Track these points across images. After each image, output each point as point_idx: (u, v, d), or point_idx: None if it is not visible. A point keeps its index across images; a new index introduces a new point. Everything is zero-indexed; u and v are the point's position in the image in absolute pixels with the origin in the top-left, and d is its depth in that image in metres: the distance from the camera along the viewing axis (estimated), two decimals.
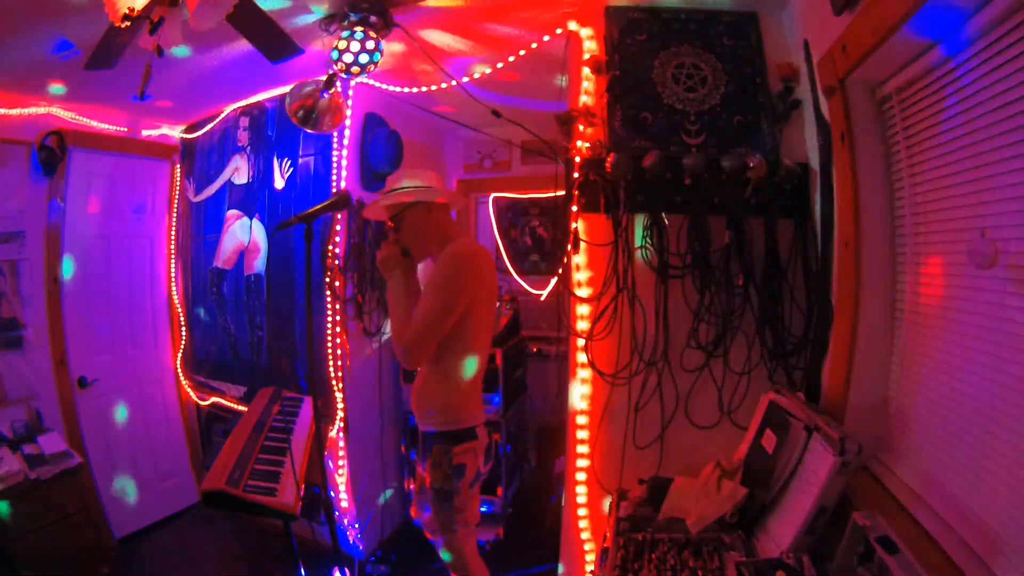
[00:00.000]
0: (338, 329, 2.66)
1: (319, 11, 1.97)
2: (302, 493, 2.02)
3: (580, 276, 1.89)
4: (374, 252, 2.82)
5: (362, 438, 2.85)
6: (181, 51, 2.19)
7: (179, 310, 3.52)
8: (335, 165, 2.68)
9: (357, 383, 2.81)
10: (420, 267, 1.95)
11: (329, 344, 2.65)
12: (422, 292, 1.78)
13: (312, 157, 2.79)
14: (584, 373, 1.90)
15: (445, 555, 1.89)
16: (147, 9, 1.44)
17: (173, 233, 3.53)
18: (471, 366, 1.83)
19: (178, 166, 3.51)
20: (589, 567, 1.91)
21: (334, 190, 2.68)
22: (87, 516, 2.46)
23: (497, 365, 2.98)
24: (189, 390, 3.48)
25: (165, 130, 3.40)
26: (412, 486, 3.07)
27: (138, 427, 3.28)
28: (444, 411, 1.81)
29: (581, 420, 1.91)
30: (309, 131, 2.25)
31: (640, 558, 1.40)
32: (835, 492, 1.29)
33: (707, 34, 1.93)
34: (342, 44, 1.92)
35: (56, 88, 2.60)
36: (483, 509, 2.65)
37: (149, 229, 3.46)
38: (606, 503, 1.88)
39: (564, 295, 1.95)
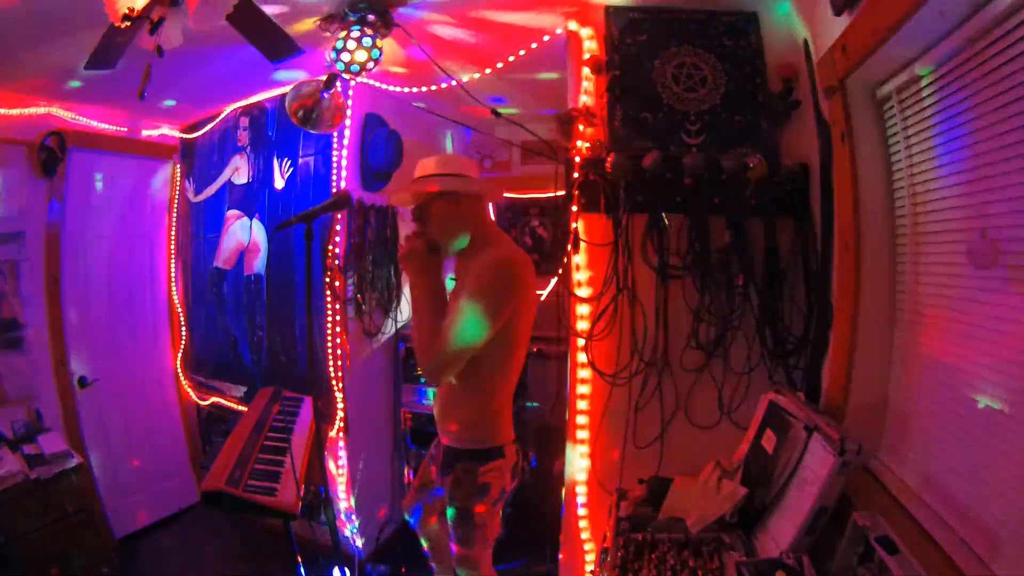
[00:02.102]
0: (338, 329, 2.66)
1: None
2: (302, 493, 2.02)
3: (580, 276, 1.89)
4: (374, 252, 2.82)
5: (362, 438, 2.85)
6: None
7: (179, 310, 3.52)
8: (335, 165, 2.67)
9: (357, 383, 2.81)
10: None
11: (329, 344, 2.65)
12: (458, 299, 1.57)
13: (312, 157, 2.79)
14: (584, 373, 1.90)
15: (459, 572, 1.75)
16: (147, 9, 1.44)
17: (173, 233, 3.53)
18: (505, 382, 1.67)
19: (178, 166, 3.52)
20: (589, 567, 1.91)
21: (334, 190, 2.68)
22: (87, 516, 2.46)
23: None
24: (189, 390, 3.48)
25: (165, 130, 3.40)
26: (412, 480, 3.06)
27: (138, 427, 3.28)
28: (472, 428, 1.67)
29: (581, 420, 1.91)
30: (309, 131, 2.25)
31: (640, 558, 1.40)
32: (835, 492, 1.29)
33: (707, 34, 1.93)
34: (341, 44, 1.92)
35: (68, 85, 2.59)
36: None
37: (149, 229, 3.46)
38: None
39: (564, 295, 1.95)
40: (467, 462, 1.65)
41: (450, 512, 1.69)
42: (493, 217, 3.88)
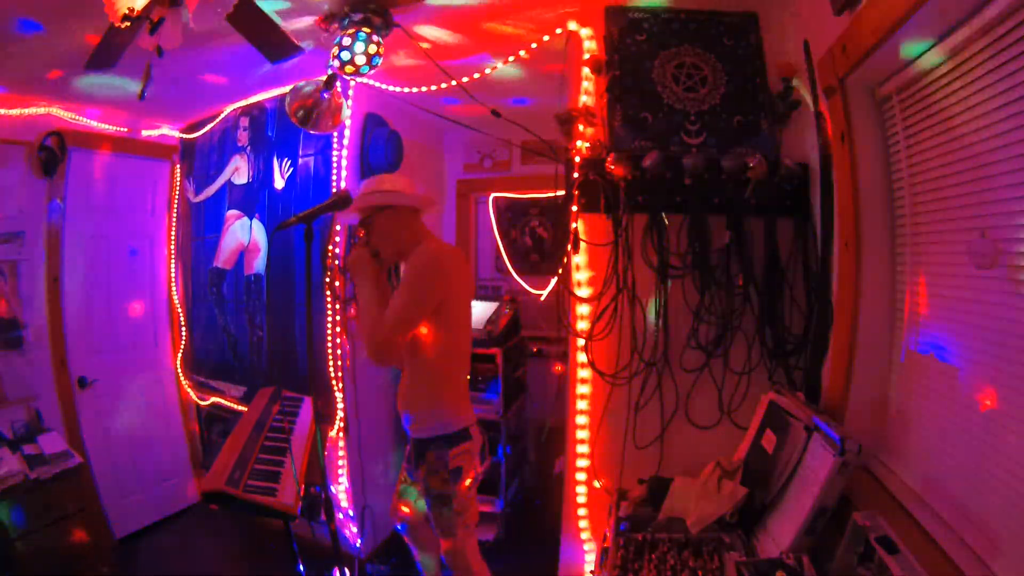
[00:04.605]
0: (338, 329, 2.66)
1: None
2: (302, 493, 2.02)
3: (580, 276, 1.89)
4: None
5: (362, 438, 2.85)
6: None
7: (179, 310, 3.52)
8: (335, 165, 2.67)
9: (357, 383, 2.81)
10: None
11: (329, 344, 2.65)
12: (394, 293, 1.80)
13: (312, 157, 2.79)
14: (584, 373, 1.90)
15: (447, 562, 1.88)
16: (147, 9, 1.44)
17: (173, 233, 3.53)
18: (454, 366, 1.85)
19: (178, 166, 3.51)
20: (589, 567, 1.91)
21: (334, 190, 2.68)
22: (87, 516, 2.46)
23: (497, 365, 2.98)
24: (189, 390, 3.48)
25: (165, 130, 3.39)
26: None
27: (138, 427, 3.27)
28: (435, 415, 1.81)
29: (581, 420, 1.91)
30: (309, 131, 2.25)
31: (640, 558, 1.40)
32: (835, 492, 1.29)
33: (707, 34, 1.93)
34: (343, 43, 1.91)
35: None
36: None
37: (149, 229, 3.46)
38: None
39: (564, 295, 1.95)
40: (436, 449, 1.78)
41: (428, 502, 1.81)
42: (493, 218, 3.90)
